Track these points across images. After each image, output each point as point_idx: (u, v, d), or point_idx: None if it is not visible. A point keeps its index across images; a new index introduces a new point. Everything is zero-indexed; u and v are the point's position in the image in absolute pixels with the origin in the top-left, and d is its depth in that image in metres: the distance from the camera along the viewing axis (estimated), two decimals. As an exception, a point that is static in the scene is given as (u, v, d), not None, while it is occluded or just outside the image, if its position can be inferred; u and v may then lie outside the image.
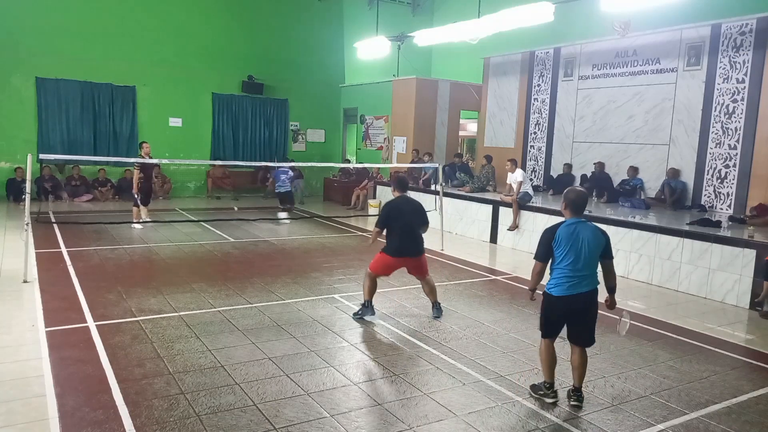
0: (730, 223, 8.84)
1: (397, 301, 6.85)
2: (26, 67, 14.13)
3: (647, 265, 8.39)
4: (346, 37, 18.34)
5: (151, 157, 10.96)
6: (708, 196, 10.30)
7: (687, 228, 8.12)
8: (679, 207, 10.28)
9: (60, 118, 14.58)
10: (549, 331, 4.42)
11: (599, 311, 4.40)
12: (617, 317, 4.56)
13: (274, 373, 4.67)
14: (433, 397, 4.37)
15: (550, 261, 4.30)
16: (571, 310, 4.29)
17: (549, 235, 4.27)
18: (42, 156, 8.41)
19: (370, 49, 15.50)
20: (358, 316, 6.16)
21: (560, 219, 9.02)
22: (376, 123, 17.31)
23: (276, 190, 13.32)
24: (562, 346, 5.58)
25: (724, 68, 10.06)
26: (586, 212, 9.26)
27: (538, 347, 4.54)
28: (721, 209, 10.04)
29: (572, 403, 4.33)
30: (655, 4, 9.68)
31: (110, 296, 6.56)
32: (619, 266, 8.68)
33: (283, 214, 13.04)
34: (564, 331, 4.46)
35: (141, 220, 10.99)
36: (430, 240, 11.13)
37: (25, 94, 14.26)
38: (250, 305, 6.47)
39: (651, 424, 4.11)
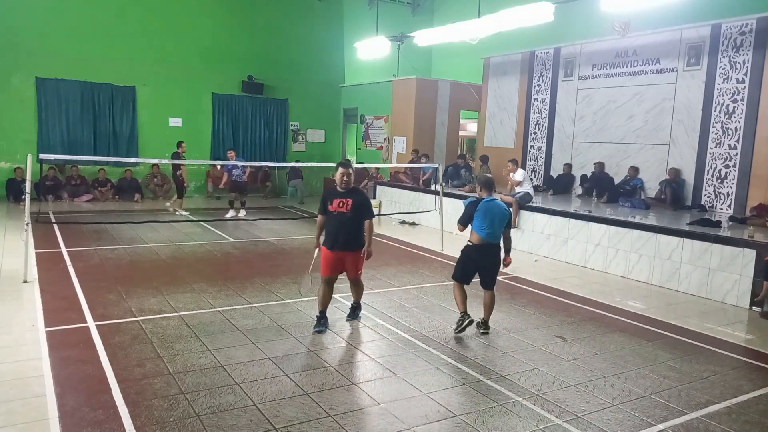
0: (730, 223, 8.84)
1: (397, 301, 6.84)
2: (26, 67, 14.13)
3: (647, 265, 8.39)
4: (346, 37, 18.34)
5: (185, 156, 13.03)
6: (708, 196, 10.30)
7: (687, 228, 8.12)
8: (679, 207, 10.27)
9: (60, 118, 14.58)
10: (462, 277, 5.84)
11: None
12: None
13: (274, 373, 4.67)
14: (433, 397, 4.37)
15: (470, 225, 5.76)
16: (482, 256, 5.72)
17: (473, 207, 5.70)
18: (42, 156, 8.40)
19: (370, 49, 15.49)
20: (316, 330, 5.69)
21: (561, 218, 9.14)
22: (376, 123, 17.31)
23: (233, 179, 12.99)
24: (562, 346, 5.59)
25: (724, 68, 10.06)
26: (585, 212, 9.43)
27: (452, 290, 5.98)
28: (721, 209, 10.04)
29: (482, 332, 5.80)
30: (655, 4, 9.67)
31: (110, 296, 6.56)
32: (619, 266, 8.75)
33: (231, 213, 12.77)
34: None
35: (182, 210, 12.90)
36: (430, 240, 11.20)
37: (25, 94, 14.26)
38: (250, 305, 6.47)
39: (651, 424, 4.11)
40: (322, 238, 5.78)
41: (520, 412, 4.20)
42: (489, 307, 5.87)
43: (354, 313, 6.12)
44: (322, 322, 5.74)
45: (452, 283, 5.98)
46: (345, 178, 5.63)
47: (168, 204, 13.46)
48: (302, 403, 4.17)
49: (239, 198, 12.95)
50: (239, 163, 12.66)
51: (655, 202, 10.60)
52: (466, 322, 5.74)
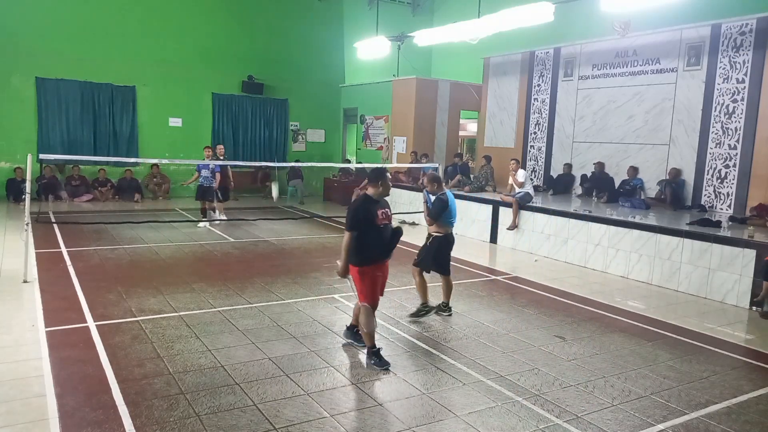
0: (730, 223, 8.84)
1: (397, 302, 6.84)
2: (26, 67, 14.13)
3: (647, 265, 8.39)
4: (346, 37, 18.35)
5: (225, 158, 12.10)
6: (708, 196, 10.30)
7: (687, 228, 8.12)
8: (679, 207, 10.27)
9: (60, 118, 14.59)
10: (430, 266, 6.36)
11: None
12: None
13: (274, 373, 4.67)
14: (433, 397, 4.37)
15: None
16: (450, 244, 6.40)
17: (444, 203, 6.23)
18: (42, 156, 8.41)
19: (370, 49, 15.49)
20: (385, 368, 4.87)
21: (561, 218, 9.15)
22: (376, 123, 17.31)
23: (200, 183, 11.55)
24: (562, 346, 5.59)
25: (724, 68, 10.05)
26: (585, 212, 9.47)
27: (414, 279, 6.41)
28: (721, 209, 10.04)
29: (447, 314, 6.35)
30: (655, 4, 9.67)
31: (110, 296, 6.56)
32: (619, 266, 8.75)
33: (202, 223, 11.44)
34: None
35: (219, 217, 11.83)
36: (430, 240, 11.17)
37: (25, 94, 14.26)
38: (250, 305, 6.47)
39: (651, 424, 4.11)
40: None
41: (520, 412, 4.19)
42: (449, 291, 6.45)
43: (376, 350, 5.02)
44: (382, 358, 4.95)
45: (436, 284, 6.01)
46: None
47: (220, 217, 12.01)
48: (302, 403, 4.17)
49: (208, 205, 11.60)
50: (212, 164, 11.21)
51: (655, 202, 10.59)
52: (430, 311, 6.36)
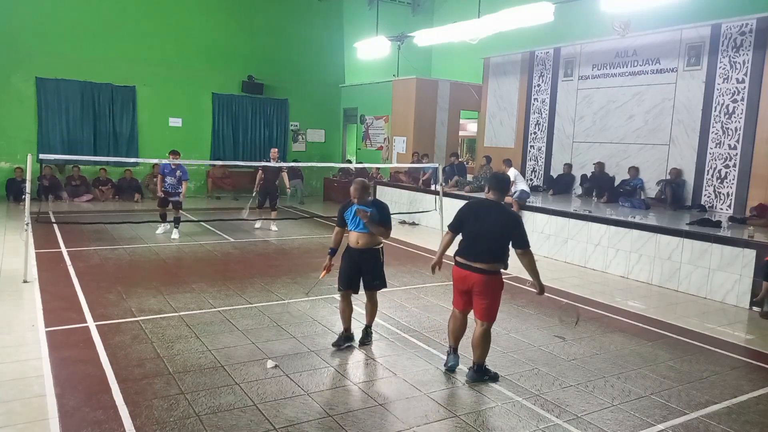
0: (730, 223, 8.84)
1: (397, 301, 6.84)
2: (26, 67, 14.13)
3: (647, 265, 8.39)
4: (346, 37, 18.35)
5: (278, 161, 11.66)
6: (708, 196, 10.30)
7: (687, 228, 8.12)
8: (679, 207, 10.27)
9: (60, 118, 14.59)
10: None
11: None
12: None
13: (274, 373, 4.67)
14: (433, 397, 4.37)
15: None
16: None
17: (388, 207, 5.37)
18: (42, 156, 8.41)
19: (370, 49, 15.49)
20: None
21: (561, 218, 9.11)
22: (376, 123, 17.32)
23: (165, 190, 10.08)
24: (562, 346, 5.58)
25: (724, 68, 10.05)
26: (586, 212, 9.48)
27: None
28: (721, 209, 10.04)
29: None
30: (655, 4, 9.67)
31: (110, 296, 6.56)
32: (619, 266, 8.75)
33: (161, 228, 10.33)
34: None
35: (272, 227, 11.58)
36: (430, 240, 11.19)
37: (25, 94, 14.26)
38: (250, 305, 6.47)
39: (651, 424, 4.11)
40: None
41: (520, 412, 4.19)
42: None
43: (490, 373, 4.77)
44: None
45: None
46: None
47: (267, 224, 11.67)
48: (302, 403, 4.17)
49: (174, 212, 10.25)
50: (180, 162, 10.03)
51: (655, 202, 10.59)
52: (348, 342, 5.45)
